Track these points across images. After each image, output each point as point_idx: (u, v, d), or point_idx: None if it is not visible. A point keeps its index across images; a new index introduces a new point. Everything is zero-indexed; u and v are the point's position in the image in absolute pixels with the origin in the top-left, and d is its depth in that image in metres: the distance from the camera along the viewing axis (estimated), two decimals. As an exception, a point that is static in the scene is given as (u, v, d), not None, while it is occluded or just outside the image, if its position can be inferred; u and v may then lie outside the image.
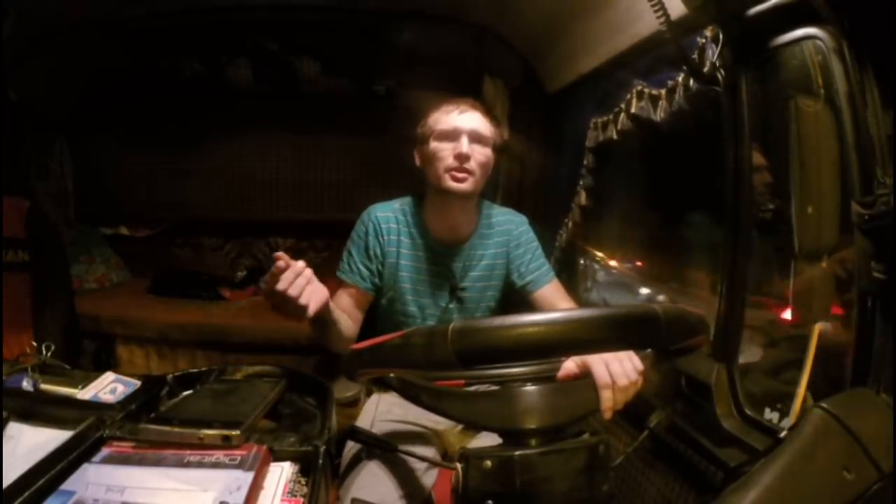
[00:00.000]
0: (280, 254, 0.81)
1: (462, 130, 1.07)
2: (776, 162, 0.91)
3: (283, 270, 0.80)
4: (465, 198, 1.11)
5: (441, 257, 1.16)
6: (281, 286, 0.80)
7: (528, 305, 1.20)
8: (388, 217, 1.16)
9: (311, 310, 0.84)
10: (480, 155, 1.09)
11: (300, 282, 0.82)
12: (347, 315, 1.10)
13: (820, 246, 0.81)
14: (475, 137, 1.08)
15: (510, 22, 1.64)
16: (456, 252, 1.17)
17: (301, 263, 0.83)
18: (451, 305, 1.17)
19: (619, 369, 0.68)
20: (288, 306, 0.82)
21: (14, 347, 0.88)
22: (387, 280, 1.16)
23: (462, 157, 1.06)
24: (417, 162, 1.17)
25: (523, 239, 1.21)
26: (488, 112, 1.15)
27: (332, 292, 1.13)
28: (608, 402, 0.67)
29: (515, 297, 1.23)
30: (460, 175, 1.07)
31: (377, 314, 1.19)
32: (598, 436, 0.60)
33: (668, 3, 0.80)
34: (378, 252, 1.14)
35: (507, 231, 1.21)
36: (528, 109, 1.89)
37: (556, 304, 1.19)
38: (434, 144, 1.09)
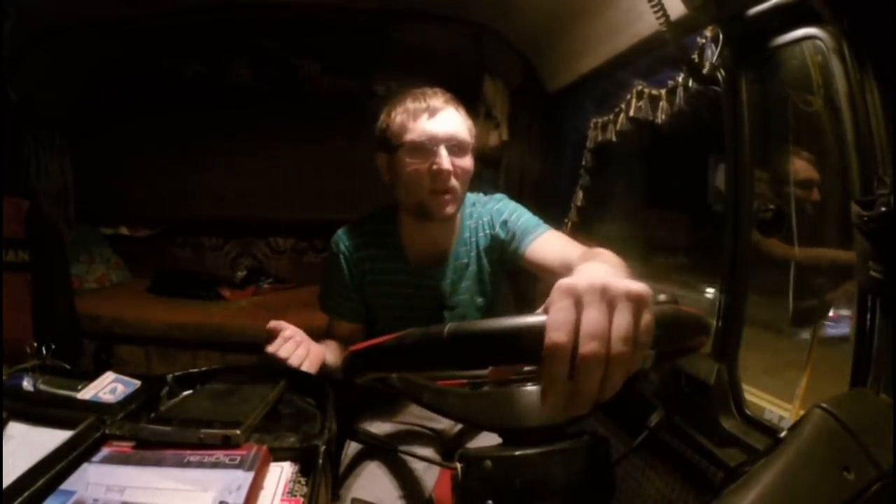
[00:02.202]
0: (274, 323, 0.88)
1: (438, 140, 0.89)
2: (776, 162, 0.91)
3: (276, 333, 0.87)
4: (449, 219, 0.97)
5: (426, 280, 1.04)
6: (282, 354, 0.87)
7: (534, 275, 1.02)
8: (359, 243, 1.03)
9: (305, 368, 0.88)
10: (461, 169, 0.91)
11: (289, 346, 0.88)
12: (345, 347, 1.05)
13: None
14: (454, 147, 0.90)
15: (510, 21, 1.64)
16: (441, 271, 1.04)
17: (289, 330, 0.89)
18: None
19: (596, 318, 0.37)
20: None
21: (14, 347, 0.88)
22: (370, 309, 1.09)
23: (443, 177, 0.89)
24: (384, 174, 0.99)
25: (497, 218, 1.04)
26: (462, 105, 0.96)
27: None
28: (554, 366, 0.37)
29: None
30: (444, 197, 0.90)
31: (372, 334, 1.15)
32: (598, 436, 0.60)
33: (668, 3, 0.80)
34: (356, 284, 1.05)
35: (487, 224, 1.05)
36: (528, 109, 1.88)
37: (548, 260, 0.94)
38: (405, 160, 0.91)
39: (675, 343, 0.49)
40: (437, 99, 0.93)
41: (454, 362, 0.46)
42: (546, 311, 0.39)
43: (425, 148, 0.90)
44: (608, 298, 0.38)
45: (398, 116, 0.93)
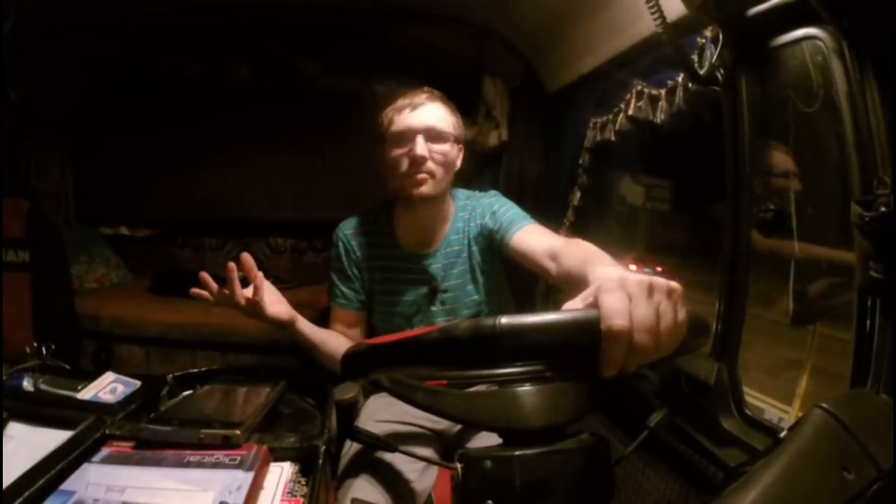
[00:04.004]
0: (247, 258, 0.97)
1: (416, 130, 1.01)
2: (776, 162, 0.91)
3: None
4: (429, 200, 1.06)
5: (418, 264, 1.13)
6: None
7: (519, 264, 1.07)
8: (357, 233, 1.15)
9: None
10: (438, 154, 1.03)
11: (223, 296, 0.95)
12: (349, 337, 1.13)
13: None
14: (431, 136, 1.02)
15: (510, 22, 1.64)
16: (433, 255, 1.13)
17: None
18: (435, 308, 1.14)
19: (647, 311, 0.42)
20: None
21: (14, 347, 0.88)
22: (368, 294, 1.16)
23: (418, 161, 1.00)
24: (379, 163, 1.11)
25: (488, 210, 1.12)
26: (447, 101, 1.09)
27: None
28: (615, 349, 0.41)
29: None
30: (419, 177, 1.02)
31: (370, 322, 1.20)
32: (598, 436, 0.60)
33: (669, 3, 0.80)
34: (355, 271, 1.15)
35: (479, 215, 1.13)
36: (528, 109, 1.88)
37: (532, 248, 0.99)
38: (391, 148, 1.04)
39: (698, 343, 0.50)
40: (422, 96, 1.06)
41: (505, 356, 0.46)
42: (590, 304, 0.43)
43: (405, 137, 1.02)
44: (654, 293, 0.42)
45: (389, 112, 1.07)
